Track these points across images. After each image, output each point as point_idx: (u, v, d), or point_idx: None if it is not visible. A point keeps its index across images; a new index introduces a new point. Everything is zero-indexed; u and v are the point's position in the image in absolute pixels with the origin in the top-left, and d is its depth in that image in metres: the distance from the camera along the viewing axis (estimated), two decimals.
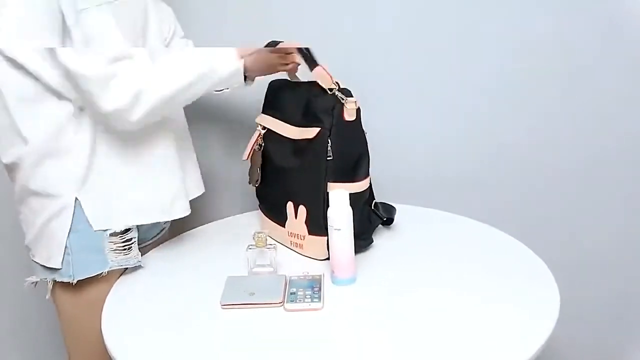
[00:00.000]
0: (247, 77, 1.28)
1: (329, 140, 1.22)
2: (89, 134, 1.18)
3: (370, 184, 1.32)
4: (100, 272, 1.22)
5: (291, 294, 1.13)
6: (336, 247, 1.17)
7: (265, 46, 1.31)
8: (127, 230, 1.24)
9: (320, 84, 1.25)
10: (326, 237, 1.23)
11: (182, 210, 1.30)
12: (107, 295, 1.21)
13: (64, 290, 1.25)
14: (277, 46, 1.31)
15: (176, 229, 1.46)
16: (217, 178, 1.72)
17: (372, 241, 1.32)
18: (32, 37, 1.09)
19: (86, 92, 1.11)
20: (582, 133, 1.60)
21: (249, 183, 1.42)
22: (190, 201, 1.33)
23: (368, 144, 1.29)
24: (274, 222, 1.38)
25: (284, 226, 1.34)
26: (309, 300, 1.11)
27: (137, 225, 1.26)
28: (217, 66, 1.21)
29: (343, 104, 1.22)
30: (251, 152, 1.38)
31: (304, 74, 1.33)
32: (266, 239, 1.21)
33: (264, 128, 1.36)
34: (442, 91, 1.61)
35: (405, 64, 1.60)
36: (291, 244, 1.34)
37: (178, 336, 1.06)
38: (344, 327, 1.08)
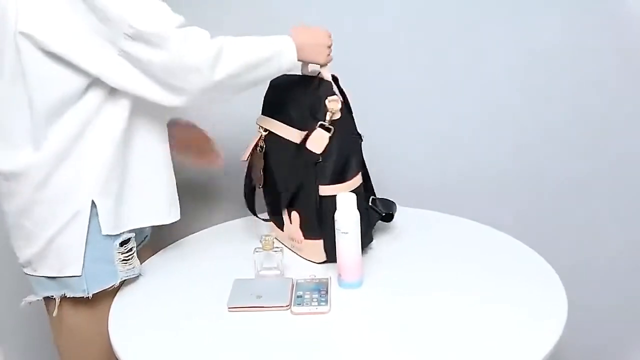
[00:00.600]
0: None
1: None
2: (106, 137, 1.16)
3: (369, 179, 1.31)
4: (113, 284, 1.20)
5: (298, 297, 1.13)
6: (343, 251, 1.17)
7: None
8: (128, 240, 1.22)
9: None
10: (322, 240, 1.23)
11: (176, 214, 1.30)
12: None
13: (74, 306, 1.21)
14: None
15: (175, 234, 1.45)
16: (221, 181, 1.72)
17: (372, 240, 1.31)
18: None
19: (168, 51, 1.09)
20: (585, 135, 1.61)
21: (247, 187, 1.40)
22: (192, 203, 1.33)
23: (367, 144, 1.28)
24: (277, 225, 1.38)
25: (283, 230, 1.34)
26: (316, 303, 1.11)
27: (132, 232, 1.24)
28: (283, 49, 1.21)
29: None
30: (251, 154, 1.37)
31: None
32: (273, 242, 1.21)
33: (265, 130, 1.35)
34: (442, 92, 1.62)
35: (405, 64, 1.61)
36: (292, 247, 1.34)
37: (185, 339, 1.06)
38: (351, 330, 1.08)
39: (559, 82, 1.58)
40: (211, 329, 1.08)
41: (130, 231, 1.22)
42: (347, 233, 1.16)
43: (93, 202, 1.16)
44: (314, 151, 1.22)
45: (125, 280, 1.23)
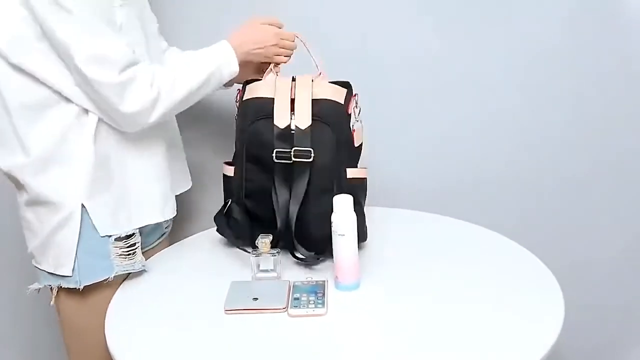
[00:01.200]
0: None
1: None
2: (90, 140, 1.18)
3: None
4: (106, 277, 1.22)
5: (295, 299, 1.13)
6: (340, 253, 1.17)
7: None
8: (131, 235, 1.24)
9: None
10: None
11: (172, 211, 1.34)
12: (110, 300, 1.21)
13: (68, 296, 1.25)
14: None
15: (177, 234, 1.46)
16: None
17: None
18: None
19: (105, 98, 1.14)
20: (585, 134, 1.60)
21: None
22: (191, 205, 1.34)
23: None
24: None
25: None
26: (313, 305, 1.11)
27: (140, 229, 1.27)
28: (221, 63, 1.25)
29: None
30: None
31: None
32: (270, 244, 1.21)
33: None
34: (441, 92, 1.61)
35: (404, 64, 1.60)
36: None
37: (182, 341, 1.06)
38: (348, 332, 1.08)
39: (559, 82, 1.57)
40: (208, 331, 1.08)
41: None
42: (343, 235, 1.16)
43: (83, 206, 1.19)
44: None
45: (129, 274, 1.26)
